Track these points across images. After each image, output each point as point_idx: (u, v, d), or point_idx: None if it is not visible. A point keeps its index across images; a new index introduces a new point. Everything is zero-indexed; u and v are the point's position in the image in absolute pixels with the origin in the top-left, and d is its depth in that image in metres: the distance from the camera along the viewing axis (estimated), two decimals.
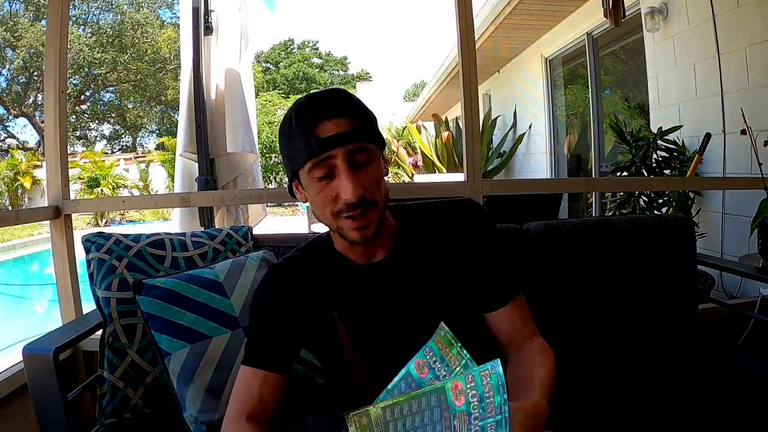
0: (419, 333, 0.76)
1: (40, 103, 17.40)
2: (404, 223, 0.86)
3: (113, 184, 13.43)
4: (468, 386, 0.58)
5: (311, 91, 0.82)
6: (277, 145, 0.83)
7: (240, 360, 0.83)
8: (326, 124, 0.72)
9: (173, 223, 2.45)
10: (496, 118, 7.07)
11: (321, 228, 0.86)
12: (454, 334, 0.82)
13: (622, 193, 2.90)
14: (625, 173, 2.99)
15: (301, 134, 0.73)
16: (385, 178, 0.81)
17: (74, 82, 18.61)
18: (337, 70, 29.85)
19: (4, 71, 17.52)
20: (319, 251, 0.87)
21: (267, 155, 15.08)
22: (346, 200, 0.72)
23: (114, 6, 18.99)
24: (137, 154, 17.76)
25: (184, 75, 2.08)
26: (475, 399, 0.57)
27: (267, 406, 0.78)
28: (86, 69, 18.70)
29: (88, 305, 1.40)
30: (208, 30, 2.07)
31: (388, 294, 0.82)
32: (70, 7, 1.70)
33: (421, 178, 7.42)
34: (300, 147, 0.73)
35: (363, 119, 0.75)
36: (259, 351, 0.81)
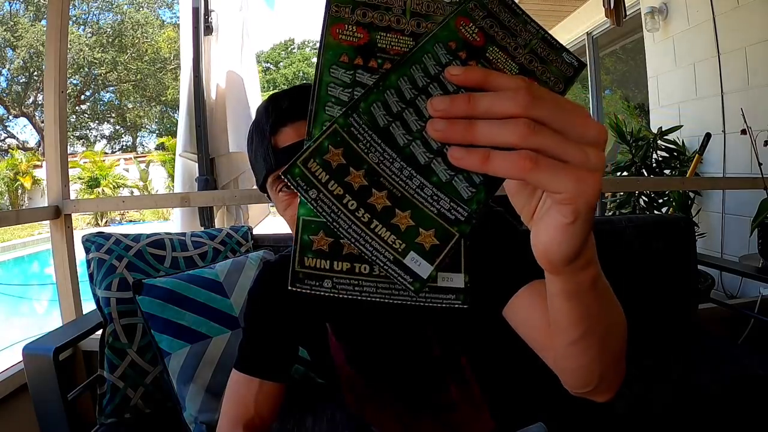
0: (419, 350, 0.73)
1: (40, 103, 17.41)
2: None
3: (113, 183, 13.44)
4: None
5: (276, 91, 0.69)
6: None
7: None
8: (285, 131, 0.61)
9: (174, 222, 2.45)
10: None
11: None
12: (467, 351, 0.71)
13: (622, 193, 2.90)
14: (625, 173, 2.99)
15: (260, 144, 0.64)
16: None
17: (74, 82, 18.61)
18: None
19: (4, 71, 17.54)
20: None
21: None
22: None
23: (114, 6, 18.99)
24: (137, 154, 17.78)
25: (185, 75, 2.08)
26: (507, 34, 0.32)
27: (265, 418, 0.72)
28: (86, 69, 18.70)
29: (88, 305, 1.40)
30: (208, 30, 2.08)
31: (385, 312, 0.74)
32: (70, 7, 1.69)
33: None
34: (260, 159, 0.64)
35: None
36: (254, 356, 0.74)
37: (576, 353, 0.48)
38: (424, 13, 0.33)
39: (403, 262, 0.30)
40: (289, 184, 0.30)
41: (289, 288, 0.32)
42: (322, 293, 0.32)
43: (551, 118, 0.28)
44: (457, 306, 0.33)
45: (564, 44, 0.35)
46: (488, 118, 0.28)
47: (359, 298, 0.32)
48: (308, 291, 0.32)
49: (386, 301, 0.33)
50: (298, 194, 0.30)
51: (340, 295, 0.32)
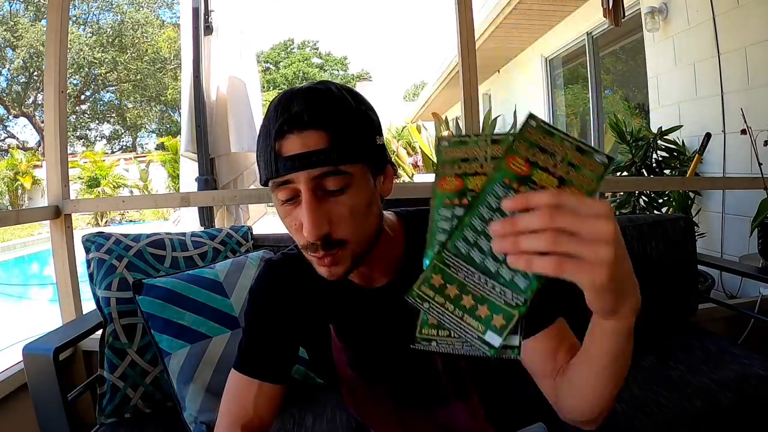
0: (421, 357, 0.70)
1: (40, 103, 17.42)
2: (414, 240, 0.68)
3: (113, 183, 13.43)
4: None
5: (295, 86, 0.65)
6: None
7: None
8: (291, 138, 0.57)
9: (180, 223, 2.45)
10: (496, 118, 7.07)
11: None
12: (472, 369, 0.71)
13: (622, 193, 2.90)
14: (625, 173, 2.99)
15: (265, 145, 0.59)
16: (386, 194, 0.66)
17: (74, 82, 18.63)
18: (337, 70, 29.86)
19: (4, 71, 17.55)
20: None
21: None
22: (306, 236, 0.59)
23: (114, 6, 19.01)
24: (137, 154, 17.77)
25: (185, 75, 2.08)
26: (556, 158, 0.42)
27: (264, 419, 0.71)
28: (86, 69, 18.72)
29: (88, 305, 1.40)
30: (208, 30, 2.08)
31: (391, 320, 0.68)
32: (70, 7, 1.69)
33: (421, 177, 7.42)
34: (262, 160, 0.60)
35: (346, 131, 0.58)
36: (254, 357, 0.73)
37: (596, 384, 0.57)
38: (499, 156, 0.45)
39: (484, 338, 0.45)
40: (410, 302, 0.46)
41: (411, 346, 0.48)
42: (429, 349, 0.48)
43: (570, 225, 0.40)
44: (513, 358, 0.46)
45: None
46: (528, 232, 0.40)
47: (453, 352, 0.47)
48: (421, 348, 0.48)
49: (471, 354, 0.46)
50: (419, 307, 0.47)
51: (440, 350, 0.47)
